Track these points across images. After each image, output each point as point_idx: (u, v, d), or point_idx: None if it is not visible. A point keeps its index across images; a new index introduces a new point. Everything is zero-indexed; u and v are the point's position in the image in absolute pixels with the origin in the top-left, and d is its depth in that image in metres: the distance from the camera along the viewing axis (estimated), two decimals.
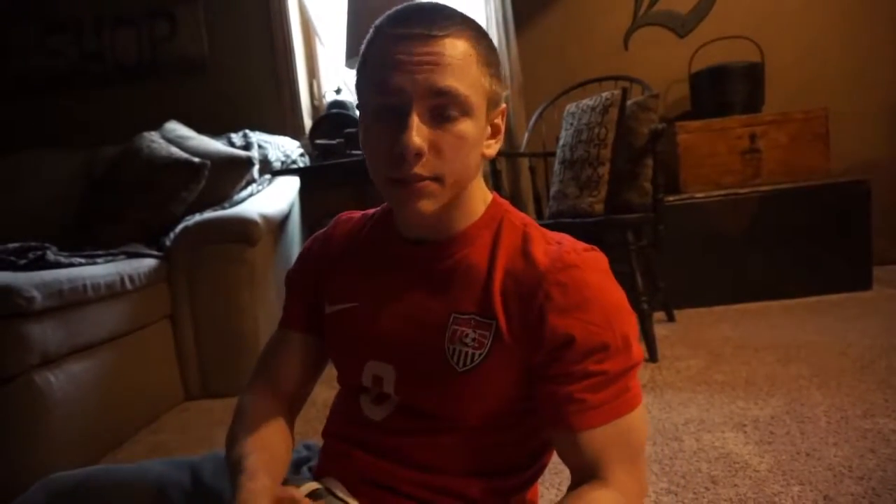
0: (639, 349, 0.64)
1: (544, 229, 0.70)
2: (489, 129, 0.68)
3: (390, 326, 0.68)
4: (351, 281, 0.74)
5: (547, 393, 0.62)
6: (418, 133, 0.60)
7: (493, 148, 0.69)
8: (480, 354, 0.63)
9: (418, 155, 0.60)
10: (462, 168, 0.64)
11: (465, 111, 0.62)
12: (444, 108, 0.61)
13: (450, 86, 0.60)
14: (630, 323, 0.64)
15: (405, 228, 0.71)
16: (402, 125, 0.60)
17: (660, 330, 2.22)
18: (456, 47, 0.61)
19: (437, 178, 0.62)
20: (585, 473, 0.62)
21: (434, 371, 0.65)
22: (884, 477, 1.13)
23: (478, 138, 0.65)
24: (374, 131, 0.64)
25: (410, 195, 0.62)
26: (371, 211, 0.80)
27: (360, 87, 0.67)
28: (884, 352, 1.77)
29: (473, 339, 0.63)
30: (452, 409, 0.66)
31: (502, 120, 0.70)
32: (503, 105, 0.70)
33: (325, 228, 0.81)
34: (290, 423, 0.75)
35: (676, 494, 1.15)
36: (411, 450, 0.68)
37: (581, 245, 0.66)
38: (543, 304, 0.61)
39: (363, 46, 0.67)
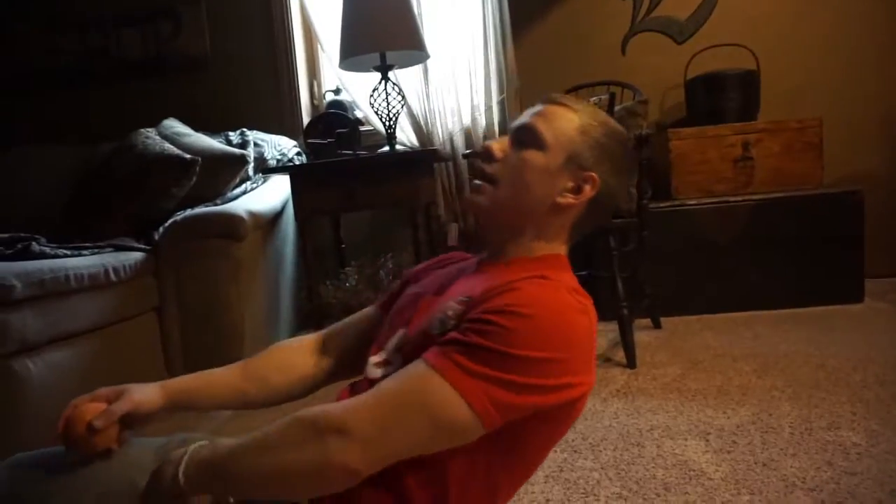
0: (550, 383, 0.64)
1: (570, 282, 0.74)
2: (570, 182, 0.79)
3: (422, 305, 0.80)
4: (431, 279, 0.89)
5: None
6: (500, 145, 0.82)
7: (567, 199, 0.79)
8: (453, 324, 0.69)
9: (488, 154, 0.81)
10: (518, 187, 0.78)
11: (537, 144, 0.78)
12: (520, 136, 0.80)
13: (532, 124, 0.80)
14: (560, 349, 0.64)
15: (481, 247, 0.87)
16: None
17: (644, 337, 2.22)
18: (562, 111, 0.80)
19: (492, 180, 0.80)
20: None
21: (418, 334, 0.73)
22: (835, 489, 1.13)
23: (543, 171, 0.78)
24: None
25: (472, 189, 0.82)
26: None
27: None
28: (861, 365, 1.76)
29: (452, 312, 0.71)
30: None
31: (591, 188, 0.79)
32: (594, 174, 0.79)
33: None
34: (311, 356, 0.94)
35: (626, 500, 1.16)
36: None
37: (572, 287, 0.72)
38: (493, 295, 0.68)
39: None
